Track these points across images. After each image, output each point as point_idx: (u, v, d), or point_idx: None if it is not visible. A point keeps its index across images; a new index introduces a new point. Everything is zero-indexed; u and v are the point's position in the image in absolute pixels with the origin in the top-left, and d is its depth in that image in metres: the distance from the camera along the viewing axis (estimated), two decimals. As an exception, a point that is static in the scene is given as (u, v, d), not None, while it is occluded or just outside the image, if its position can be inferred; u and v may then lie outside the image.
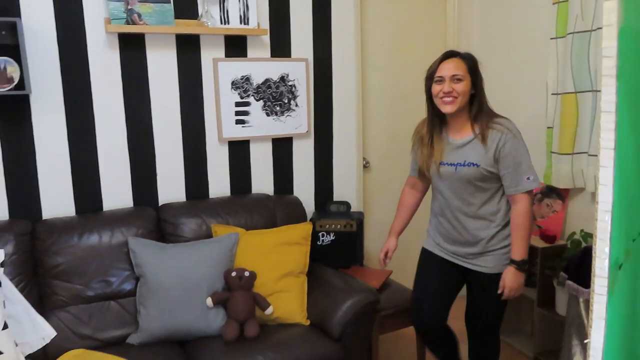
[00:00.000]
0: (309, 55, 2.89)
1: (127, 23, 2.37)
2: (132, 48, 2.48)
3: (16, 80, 2.17)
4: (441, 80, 1.98)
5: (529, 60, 2.99)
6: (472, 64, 2.01)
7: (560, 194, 2.82)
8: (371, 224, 3.22)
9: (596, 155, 2.53)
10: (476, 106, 2.01)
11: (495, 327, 2.22)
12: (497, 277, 2.07)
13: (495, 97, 3.25)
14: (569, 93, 2.63)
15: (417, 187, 2.32)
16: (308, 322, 2.36)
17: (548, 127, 2.79)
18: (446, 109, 1.98)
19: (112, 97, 2.47)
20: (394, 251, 2.34)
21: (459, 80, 1.96)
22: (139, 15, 2.40)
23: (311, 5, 2.86)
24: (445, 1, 3.35)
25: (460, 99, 1.96)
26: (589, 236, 2.61)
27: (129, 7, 2.38)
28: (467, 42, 3.38)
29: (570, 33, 2.58)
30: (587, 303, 2.26)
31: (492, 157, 1.97)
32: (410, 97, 3.30)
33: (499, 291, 2.04)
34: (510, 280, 2.02)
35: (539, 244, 2.74)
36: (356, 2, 2.97)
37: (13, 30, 2.19)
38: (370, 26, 3.12)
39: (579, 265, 2.42)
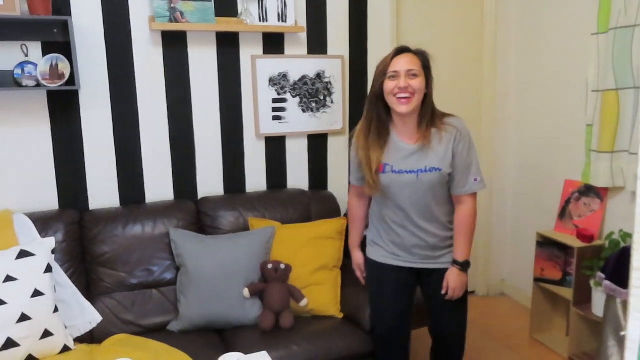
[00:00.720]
0: (345, 52, 2.92)
1: (170, 21, 2.46)
2: (174, 45, 2.57)
3: (67, 76, 2.28)
4: (395, 75, 1.83)
5: (569, 56, 2.94)
6: (425, 61, 1.89)
7: (598, 193, 2.77)
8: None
9: (637, 154, 2.48)
10: (429, 107, 1.89)
11: (465, 323, 2.13)
12: None
13: (533, 93, 3.22)
14: (610, 90, 2.58)
15: (364, 196, 2.12)
16: (341, 315, 2.40)
17: (587, 125, 2.74)
18: (401, 109, 1.83)
19: (155, 92, 2.56)
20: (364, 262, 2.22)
21: (415, 75, 1.82)
22: (182, 14, 2.48)
23: (348, 2, 2.89)
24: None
25: (416, 97, 1.83)
26: (628, 236, 2.57)
27: (172, 5, 2.46)
28: (505, 38, 3.35)
29: (613, 28, 2.53)
30: (625, 304, 2.23)
31: (449, 158, 1.90)
32: (445, 96, 3.28)
33: (443, 292, 2.00)
34: (455, 281, 1.98)
35: (576, 243, 2.71)
36: (392, 0, 2.99)
37: (64, 28, 2.30)
38: (406, 24, 3.13)
39: (617, 265, 2.38)
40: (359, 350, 2.22)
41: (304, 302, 2.33)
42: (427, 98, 1.89)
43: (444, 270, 2.02)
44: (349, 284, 2.47)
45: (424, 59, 1.88)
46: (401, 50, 1.88)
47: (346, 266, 2.57)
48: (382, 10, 2.97)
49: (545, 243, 2.93)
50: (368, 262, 2.15)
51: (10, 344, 1.92)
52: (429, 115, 1.89)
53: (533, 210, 3.31)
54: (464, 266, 1.99)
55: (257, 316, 2.27)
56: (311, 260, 2.44)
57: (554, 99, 3.07)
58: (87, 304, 2.26)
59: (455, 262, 1.99)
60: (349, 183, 2.19)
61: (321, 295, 2.39)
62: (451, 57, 3.28)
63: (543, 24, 3.11)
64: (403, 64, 1.83)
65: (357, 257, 2.23)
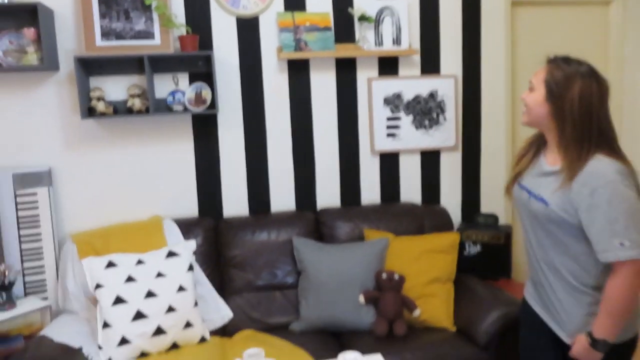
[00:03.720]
0: (458, 71, 2.99)
1: (296, 50, 2.72)
2: (298, 71, 2.83)
3: (209, 102, 2.63)
4: None
5: None
6: (556, 75, 1.55)
7: None
8: (519, 238, 3.15)
9: None
10: (561, 129, 1.55)
11: None
12: None
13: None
14: None
15: None
16: (454, 328, 2.42)
17: None
18: (522, 118, 1.68)
19: (280, 114, 2.84)
20: None
21: (531, 89, 1.62)
22: (306, 43, 2.73)
23: (460, 24, 2.97)
24: (607, 10, 3.21)
25: (531, 113, 1.62)
26: None
27: (297, 36, 2.73)
28: (634, 50, 3.18)
29: None
30: None
31: (567, 200, 1.52)
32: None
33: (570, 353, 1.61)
34: (578, 352, 1.57)
35: None
36: (507, 19, 3.01)
37: (207, 60, 2.67)
38: (522, 40, 3.12)
39: None
40: (472, 363, 2.23)
41: (417, 313, 2.39)
42: (564, 121, 1.54)
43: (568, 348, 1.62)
44: (463, 298, 2.49)
45: (556, 70, 1.56)
46: (547, 60, 1.64)
47: (460, 280, 2.59)
48: (496, 28, 3.00)
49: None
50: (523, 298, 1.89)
51: (159, 331, 2.23)
52: (569, 143, 1.54)
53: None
54: (596, 343, 1.54)
55: (371, 322, 2.38)
56: (424, 272, 2.50)
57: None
58: (221, 301, 2.53)
59: (588, 333, 1.56)
60: None
61: (434, 307, 2.44)
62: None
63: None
64: (533, 74, 1.65)
65: None
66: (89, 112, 2.54)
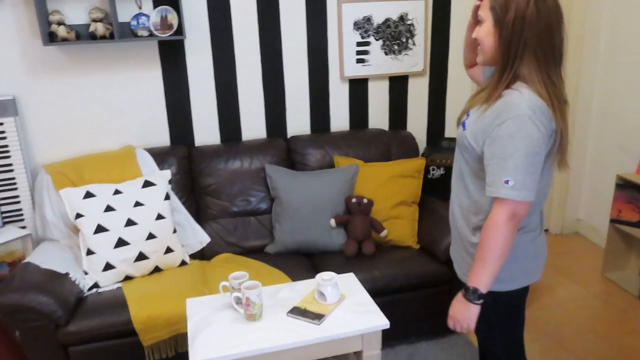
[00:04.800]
0: (429, -7, 2.96)
1: (264, -29, 2.62)
2: (266, -7, 2.74)
3: (175, 27, 2.54)
4: None
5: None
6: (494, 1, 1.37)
7: (687, 137, 2.71)
8: (481, 160, 3.33)
9: None
10: (499, 61, 1.39)
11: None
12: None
13: (626, 31, 3.07)
14: None
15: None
16: (418, 246, 2.62)
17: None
18: (477, 59, 1.50)
19: (249, 39, 2.78)
20: None
21: (479, 21, 1.43)
22: (273, -37, 2.62)
23: (433, -58, 2.89)
24: None
25: (484, 47, 1.42)
26: None
27: (265, -45, 2.61)
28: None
29: None
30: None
31: (480, 127, 1.40)
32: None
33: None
34: (452, 307, 1.48)
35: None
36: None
37: (171, -18, 2.54)
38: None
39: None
40: (433, 278, 2.43)
41: (384, 233, 2.57)
42: (501, 50, 1.37)
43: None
44: (425, 219, 2.67)
45: None
46: None
47: (423, 201, 2.77)
48: (468, -52, 2.94)
49: (625, 186, 2.94)
50: None
51: (142, 256, 2.35)
52: (497, 73, 1.40)
53: (614, 152, 3.28)
54: (467, 292, 1.43)
55: (342, 243, 2.56)
56: (391, 196, 2.65)
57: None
58: (198, 227, 2.64)
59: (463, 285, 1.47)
60: None
61: (400, 227, 2.62)
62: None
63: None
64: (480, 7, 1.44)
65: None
66: (50, 37, 2.43)
